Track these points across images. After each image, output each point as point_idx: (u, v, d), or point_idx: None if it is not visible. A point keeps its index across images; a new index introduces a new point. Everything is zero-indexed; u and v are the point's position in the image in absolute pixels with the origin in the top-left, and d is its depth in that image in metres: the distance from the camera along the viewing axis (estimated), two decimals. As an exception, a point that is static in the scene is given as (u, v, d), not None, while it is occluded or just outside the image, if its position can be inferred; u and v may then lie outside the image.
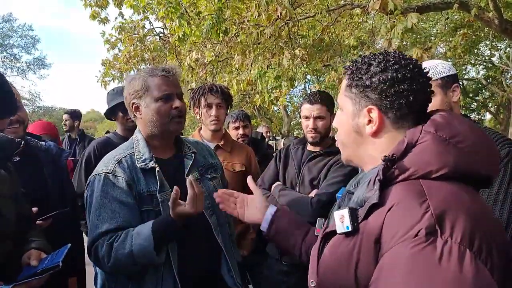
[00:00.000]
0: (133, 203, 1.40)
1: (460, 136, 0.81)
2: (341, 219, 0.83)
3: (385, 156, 0.81)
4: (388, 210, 0.75)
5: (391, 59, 0.87)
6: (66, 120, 4.85)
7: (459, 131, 0.82)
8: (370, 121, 0.89)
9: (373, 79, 0.87)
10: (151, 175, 1.45)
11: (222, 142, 2.42)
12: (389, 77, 0.85)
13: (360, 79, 0.89)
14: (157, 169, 1.45)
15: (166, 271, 1.39)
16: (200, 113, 2.40)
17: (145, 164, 1.45)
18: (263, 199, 1.31)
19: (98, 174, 1.43)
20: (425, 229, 0.68)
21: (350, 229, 0.81)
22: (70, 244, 1.32)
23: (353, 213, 0.82)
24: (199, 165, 1.59)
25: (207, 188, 1.55)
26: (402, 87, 0.84)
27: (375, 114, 0.88)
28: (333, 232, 0.86)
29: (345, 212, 0.82)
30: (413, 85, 0.85)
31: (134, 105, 1.49)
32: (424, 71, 0.89)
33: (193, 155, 1.59)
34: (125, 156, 1.47)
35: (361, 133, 0.91)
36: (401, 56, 0.89)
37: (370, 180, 0.84)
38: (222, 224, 1.57)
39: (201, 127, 2.52)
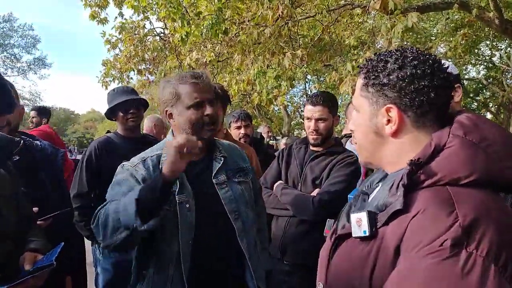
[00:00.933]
0: None
1: (490, 140, 0.77)
2: (358, 222, 0.79)
3: (410, 160, 0.76)
4: (412, 218, 0.71)
5: (409, 55, 0.83)
6: (33, 117, 4.35)
7: (488, 135, 0.77)
8: (389, 121, 0.85)
9: (391, 77, 0.82)
10: None
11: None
12: (408, 73, 0.81)
13: (377, 77, 0.85)
14: None
15: (175, 269, 1.39)
16: None
17: None
18: None
19: (123, 165, 1.49)
20: (451, 239, 0.65)
21: (367, 233, 0.77)
22: (63, 243, 1.33)
23: (372, 217, 0.78)
24: (228, 169, 1.58)
25: (234, 192, 1.53)
26: (422, 83, 0.80)
27: (394, 113, 0.83)
28: (347, 235, 0.83)
29: (363, 215, 0.78)
30: (434, 81, 0.80)
31: (167, 112, 1.51)
32: (444, 66, 0.84)
33: (222, 158, 1.57)
34: (151, 156, 1.49)
35: (380, 133, 0.87)
36: (419, 52, 0.84)
37: (393, 184, 0.79)
38: (247, 230, 1.53)
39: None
